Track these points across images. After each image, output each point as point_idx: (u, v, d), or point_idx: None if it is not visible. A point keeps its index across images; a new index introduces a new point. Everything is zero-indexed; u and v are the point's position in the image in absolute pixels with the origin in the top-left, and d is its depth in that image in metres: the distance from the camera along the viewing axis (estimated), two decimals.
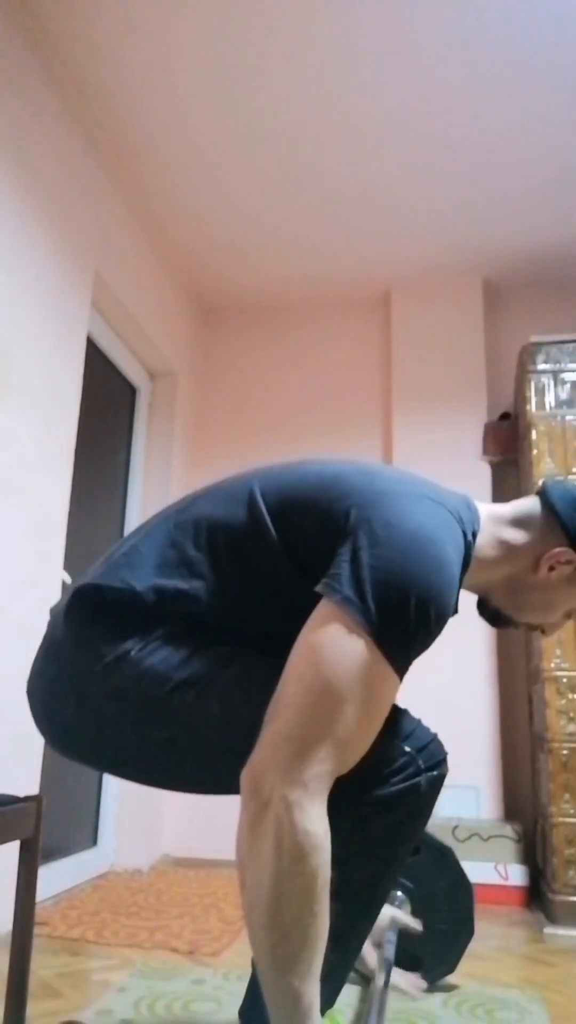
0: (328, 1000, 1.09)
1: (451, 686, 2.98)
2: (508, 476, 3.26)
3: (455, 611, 1.07)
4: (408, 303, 3.48)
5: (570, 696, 2.41)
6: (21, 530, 2.14)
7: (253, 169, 2.77)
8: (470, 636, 3.02)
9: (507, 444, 3.18)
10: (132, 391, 3.29)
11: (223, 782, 1.01)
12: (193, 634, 1.06)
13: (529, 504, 1.19)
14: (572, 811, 2.33)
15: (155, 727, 1.02)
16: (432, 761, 1.06)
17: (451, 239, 3.18)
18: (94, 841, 2.81)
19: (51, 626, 1.13)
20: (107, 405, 3.03)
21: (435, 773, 1.06)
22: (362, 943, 1.16)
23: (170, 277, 3.37)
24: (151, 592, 1.05)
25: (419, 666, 3.33)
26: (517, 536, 1.16)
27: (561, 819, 2.33)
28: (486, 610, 1.25)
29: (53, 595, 2.30)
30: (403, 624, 0.94)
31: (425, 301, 3.46)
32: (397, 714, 1.07)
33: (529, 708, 2.92)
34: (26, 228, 2.20)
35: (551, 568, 1.14)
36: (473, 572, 1.15)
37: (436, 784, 1.06)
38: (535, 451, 2.67)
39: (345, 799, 0.96)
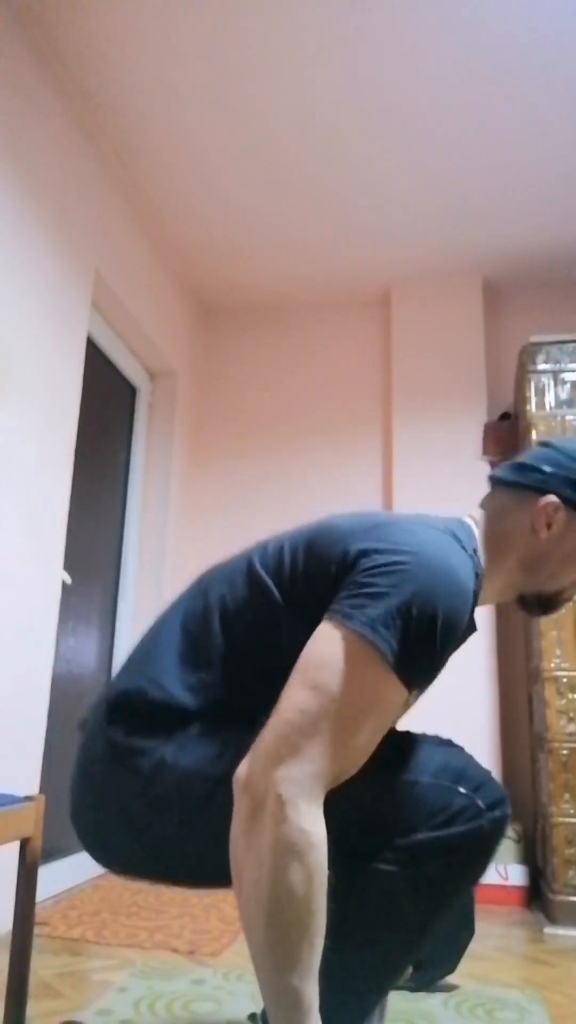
0: None
1: (451, 686, 2.98)
2: None
3: (472, 627, 1.06)
4: (408, 303, 3.48)
5: (570, 696, 2.41)
6: (21, 530, 2.14)
7: (253, 169, 2.77)
8: (470, 636, 3.02)
9: (507, 444, 3.18)
10: (132, 391, 3.29)
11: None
12: (223, 726, 1.02)
13: (489, 498, 1.20)
14: (572, 811, 2.33)
15: (203, 827, 1.00)
16: (491, 800, 1.02)
17: (451, 239, 3.17)
18: None
19: (86, 740, 1.08)
20: (107, 405, 3.03)
21: (498, 814, 1.01)
22: (396, 981, 1.12)
23: (170, 277, 3.37)
24: (183, 690, 1.02)
25: None
26: (503, 524, 1.16)
27: (561, 819, 2.33)
28: (528, 605, 1.23)
29: (53, 595, 2.30)
30: (404, 631, 0.92)
31: (425, 301, 3.46)
32: (446, 756, 1.05)
33: (529, 708, 2.92)
34: (26, 228, 2.20)
35: (548, 525, 1.13)
36: (491, 579, 1.15)
37: (500, 825, 1.02)
38: None
39: (408, 846, 0.95)
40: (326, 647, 0.93)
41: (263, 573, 1.06)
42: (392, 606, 0.92)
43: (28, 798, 1.36)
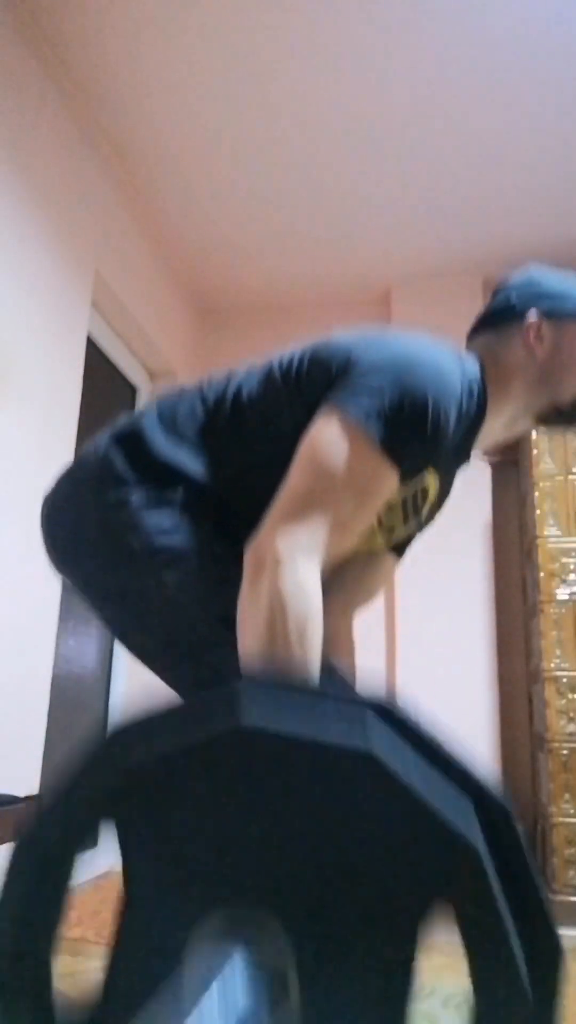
0: None
1: (451, 686, 2.98)
2: (508, 476, 3.26)
3: (466, 457, 1.19)
4: (408, 303, 3.48)
5: (570, 696, 2.41)
6: (21, 530, 2.14)
7: (253, 169, 2.77)
8: (470, 636, 3.02)
9: (507, 444, 3.18)
10: (132, 391, 3.29)
11: (156, 660, 1.13)
12: (199, 514, 1.08)
13: (477, 352, 1.24)
14: (572, 811, 2.33)
15: (120, 578, 1.08)
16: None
17: (451, 239, 3.17)
18: (94, 841, 2.81)
19: (76, 466, 1.19)
20: (107, 405, 3.03)
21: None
22: None
23: (170, 277, 3.37)
24: (184, 454, 1.10)
25: (419, 666, 3.31)
26: (499, 361, 1.20)
27: (561, 819, 2.33)
28: (551, 420, 1.25)
29: (53, 595, 2.30)
30: (394, 419, 0.99)
31: (425, 301, 3.45)
32: None
33: (529, 708, 2.92)
34: (26, 228, 2.20)
35: (539, 339, 1.18)
36: (498, 411, 1.19)
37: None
38: (535, 451, 2.67)
39: None
40: (324, 433, 1.00)
41: (276, 371, 1.13)
42: (384, 397, 0.99)
43: (28, 798, 1.35)
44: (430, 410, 0.99)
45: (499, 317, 1.22)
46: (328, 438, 0.99)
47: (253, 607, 0.93)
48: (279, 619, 0.91)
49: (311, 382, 1.08)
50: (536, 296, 1.19)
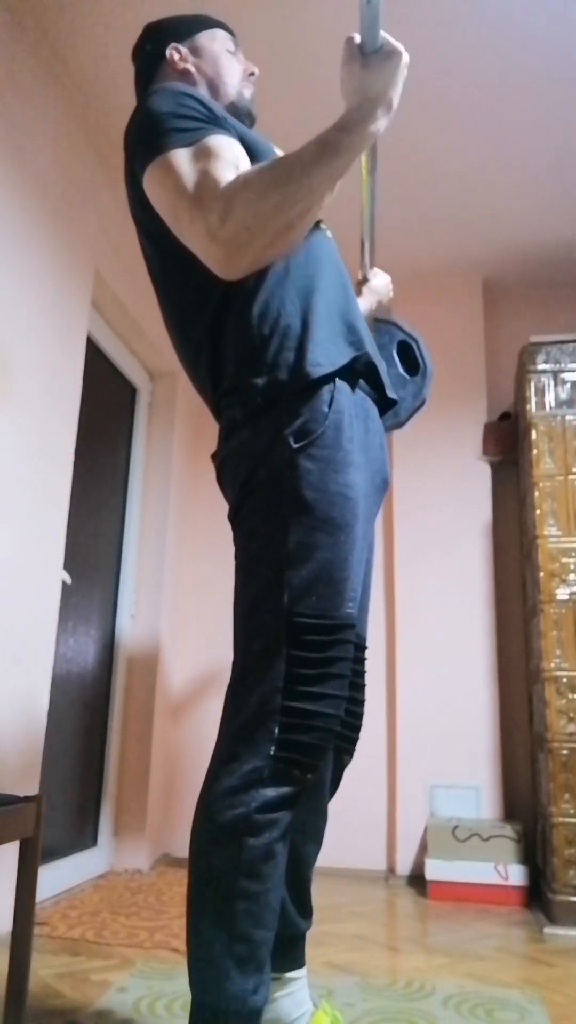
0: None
1: (451, 686, 2.99)
2: (508, 476, 3.26)
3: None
4: (408, 303, 3.48)
5: (570, 696, 2.41)
6: (21, 530, 2.14)
7: None
8: (470, 636, 3.02)
9: (507, 444, 3.18)
10: (132, 391, 3.29)
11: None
12: None
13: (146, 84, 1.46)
14: (572, 811, 2.33)
15: None
16: None
17: (451, 239, 3.18)
18: (94, 841, 2.81)
19: None
20: (107, 405, 3.03)
21: None
22: None
23: None
24: None
25: (420, 666, 3.30)
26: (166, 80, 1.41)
27: (561, 819, 2.33)
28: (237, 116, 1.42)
29: (53, 595, 2.30)
30: (167, 127, 1.17)
31: (425, 301, 3.45)
32: None
33: (529, 708, 2.92)
34: (26, 228, 2.20)
35: (183, 59, 1.41)
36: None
37: None
38: (535, 451, 2.67)
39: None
40: (154, 182, 1.18)
41: (146, 244, 1.31)
42: (154, 128, 1.19)
43: (28, 798, 1.36)
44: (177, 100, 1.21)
45: (148, 69, 1.44)
46: (172, 176, 1.14)
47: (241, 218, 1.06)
48: (254, 190, 1.06)
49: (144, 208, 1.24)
50: (164, 36, 1.42)
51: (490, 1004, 1.63)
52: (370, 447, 1.26)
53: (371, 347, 1.27)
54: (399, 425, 1.57)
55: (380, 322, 1.73)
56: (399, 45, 1.14)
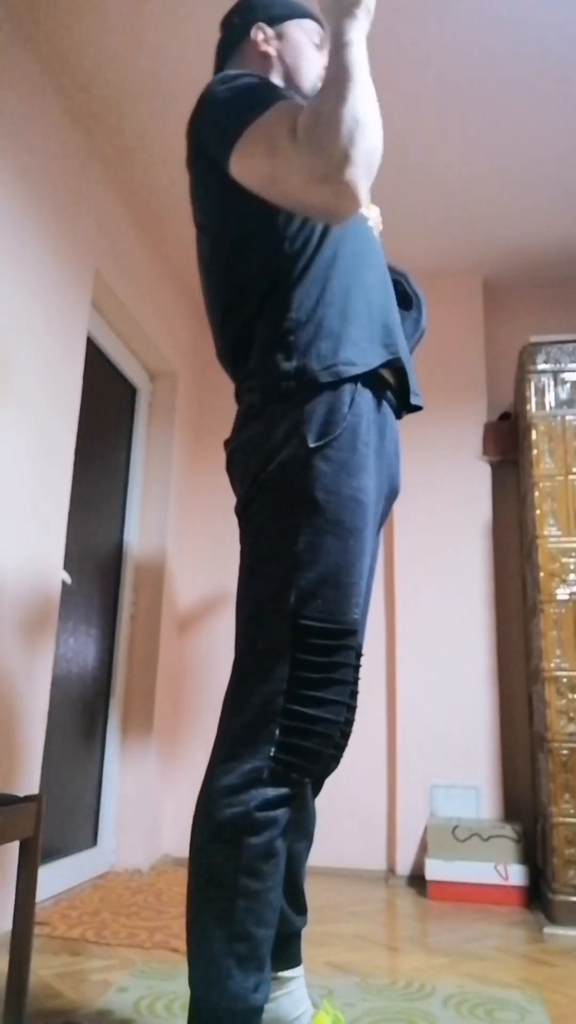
0: None
1: (451, 686, 2.99)
2: (508, 476, 3.26)
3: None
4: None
5: (570, 696, 2.41)
6: (21, 530, 2.14)
7: None
8: (470, 636, 3.02)
9: (507, 444, 3.18)
10: (132, 391, 3.29)
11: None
12: None
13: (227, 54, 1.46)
14: (572, 811, 2.33)
15: None
16: None
17: (451, 239, 3.17)
18: (94, 841, 2.81)
19: None
20: (107, 405, 3.03)
21: None
22: None
23: (170, 277, 3.37)
24: None
25: (420, 666, 3.30)
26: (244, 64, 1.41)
27: (561, 819, 2.33)
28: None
29: (53, 595, 2.30)
30: (234, 110, 1.16)
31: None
32: None
33: (529, 708, 2.92)
34: (26, 228, 2.20)
35: (267, 41, 1.39)
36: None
37: None
38: (535, 451, 2.67)
39: None
40: (243, 160, 1.15)
41: (199, 234, 1.33)
42: (227, 111, 1.18)
43: (28, 798, 1.36)
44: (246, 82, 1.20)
45: (231, 41, 1.43)
46: (251, 150, 1.13)
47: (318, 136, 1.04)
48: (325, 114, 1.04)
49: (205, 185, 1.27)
50: (254, 13, 1.41)
51: (490, 1004, 1.63)
52: (384, 454, 1.25)
53: (404, 351, 1.26)
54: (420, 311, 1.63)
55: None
56: None
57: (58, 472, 2.35)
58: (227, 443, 1.25)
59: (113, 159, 2.73)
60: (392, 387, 1.27)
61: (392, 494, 1.32)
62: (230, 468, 1.24)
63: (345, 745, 1.17)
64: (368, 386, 1.19)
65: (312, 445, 1.11)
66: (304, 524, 1.09)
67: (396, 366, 1.24)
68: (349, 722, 1.23)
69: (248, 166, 1.13)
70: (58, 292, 2.37)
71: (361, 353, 1.16)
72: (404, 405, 1.33)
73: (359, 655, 1.14)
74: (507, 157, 2.69)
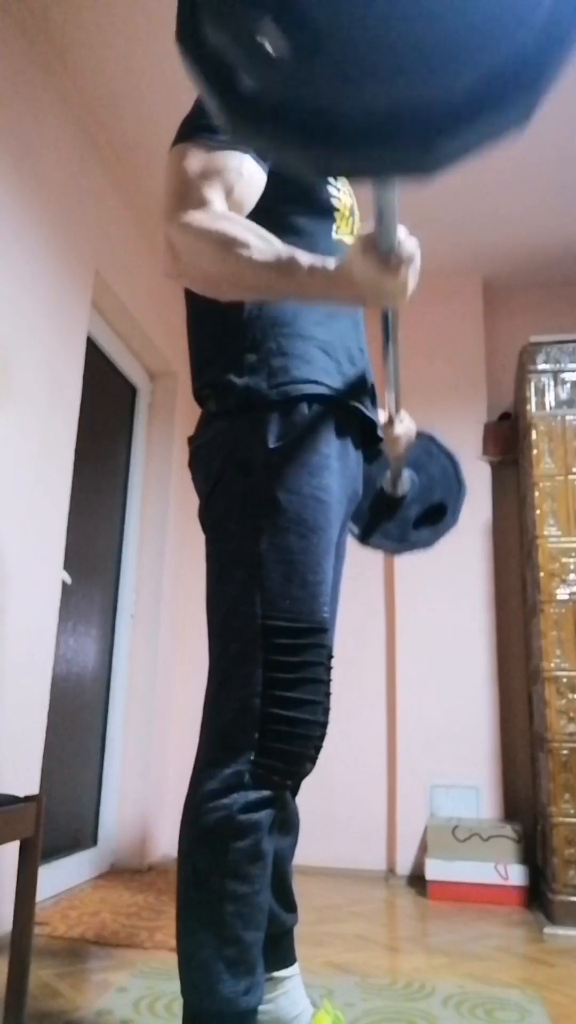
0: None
1: (451, 686, 2.99)
2: (508, 476, 3.26)
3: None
4: (408, 303, 3.48)
5: (570, 696, 2.41)
6: (21, 530, 2.14)
7: None
8: (470, 636, 3.02)
9: (507, 444, 3.18)
10: (132, 391, 3.29)
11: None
12: None
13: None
14: (572, 811, 2.33)
15: None
16: None
17: (451, 239, 3.17)
18: (94, 841, 2.81)
19: None
20: (107, 405, 3.03)
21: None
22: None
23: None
24: None
25: (420, 665, 3.30)
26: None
27: (561, 819, 2.33)
28: None
29: (53, 595, 2.30)
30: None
31: (425, 301, 3.44)
32: None
33: (529, 708, 2.92)
34: (26, 228, 2.20)
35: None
36: None
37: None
38: (535, 451, 2.67)
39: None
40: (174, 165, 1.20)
41: None
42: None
43: (28, 798, 1.36)
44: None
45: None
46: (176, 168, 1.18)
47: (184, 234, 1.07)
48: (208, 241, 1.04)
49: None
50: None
51: (490, 1004, 1.63)
52: (347, 456, 1.23)
53: (367, 376, 1.26)
54: (446, 529, 1.81)
55: (418, 435, 1.78)
56: (410, 252, 0.99)
57: (58, 472, 2.35)
58: (191, 440, 1.25)
59: (113, 160, 2.72)
60: (354, 415, 1.24)
61: (355, 496, 1.31)
62: (192, 465, 1.24)
63: (320, 746, 1.17)
64: (326, 408, 1.17)
65: (272, 446, 1.12)
66: (266, 525, 1.10)
67: (351, 395, 1.21)
68: (325, 723, 1.23)
69: (166, 172, 1.19)
70: (58, 292, 2.37)
71: (314, 373, 1.16)
72: (369, 440, 1.30)
73: (330, 655, 1.14)
74: (507, 157, 2.69)
